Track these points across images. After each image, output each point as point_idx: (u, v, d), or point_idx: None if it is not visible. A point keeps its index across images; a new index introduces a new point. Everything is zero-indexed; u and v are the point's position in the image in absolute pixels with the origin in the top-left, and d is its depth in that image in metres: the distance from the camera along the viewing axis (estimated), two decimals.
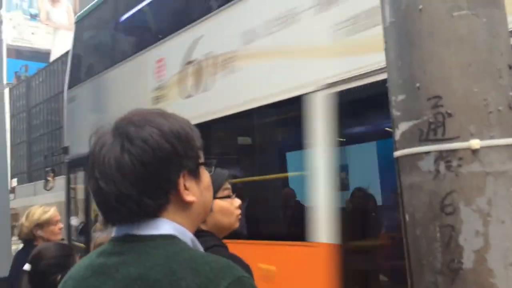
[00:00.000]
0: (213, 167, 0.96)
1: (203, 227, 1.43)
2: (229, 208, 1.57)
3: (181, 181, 0.83)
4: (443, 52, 1.10)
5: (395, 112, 1.17)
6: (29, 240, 2.73)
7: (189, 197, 0.84)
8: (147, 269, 0.75)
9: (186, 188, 0.83)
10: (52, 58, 55.62)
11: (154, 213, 0.81)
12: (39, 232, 2.69)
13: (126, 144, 0.80)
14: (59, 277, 1.89)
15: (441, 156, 1.07)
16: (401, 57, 1.16)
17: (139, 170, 0.79)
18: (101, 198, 0.82)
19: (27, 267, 1.90)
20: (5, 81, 7.54)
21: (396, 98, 1.17)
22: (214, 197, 1.49)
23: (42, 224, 2.71)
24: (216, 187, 1.48)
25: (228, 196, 1.59)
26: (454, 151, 1.06)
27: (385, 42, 1.23)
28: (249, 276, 0.77)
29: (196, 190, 0.86)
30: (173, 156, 0.81)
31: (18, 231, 2.83)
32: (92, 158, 0.84)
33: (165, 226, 0.81)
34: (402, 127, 1.15)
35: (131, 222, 0.81)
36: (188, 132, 0.86)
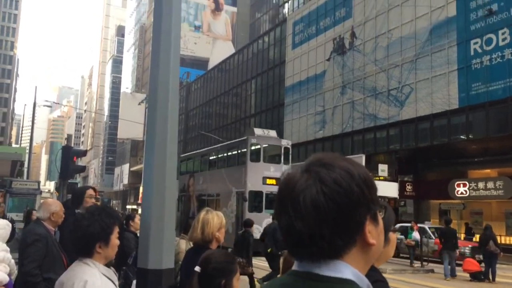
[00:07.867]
0: (385, 211, 0.99)
1: None
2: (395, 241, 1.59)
3: (367, 224, 0.86)
4: None
5: None
6: (204, 243, 2.97)
7: (371, 240, 0.86)
8: None
9: (369, 231, 0.86)
10: (210, 65, 61.02)
11: (340, 254, 0.84)
12: (217, 234, 2.99)
13: (320, 185, 0.83)
14: (223, 281, 2.09)
15: None
16: None
17: (334, 211, 0.82)
18: (293, 235, 0.85)
19: (197, 268, 2.14)
20: None
21: None
22: (390, 230, 1.52)
23: (221, 228, 3.03)
24: (391, 222, 1.51)
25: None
26: None
27: None
28: None
29: (375, 233, 0.88)
30: (362, 199, 0.84)
31: (194, 234, 3.04)
32: (283, 195, 0.87)
33: (345, 270, 0.83)
34: None
35: (313, 261, 0.84)
36: (371, 177, 0.89)
